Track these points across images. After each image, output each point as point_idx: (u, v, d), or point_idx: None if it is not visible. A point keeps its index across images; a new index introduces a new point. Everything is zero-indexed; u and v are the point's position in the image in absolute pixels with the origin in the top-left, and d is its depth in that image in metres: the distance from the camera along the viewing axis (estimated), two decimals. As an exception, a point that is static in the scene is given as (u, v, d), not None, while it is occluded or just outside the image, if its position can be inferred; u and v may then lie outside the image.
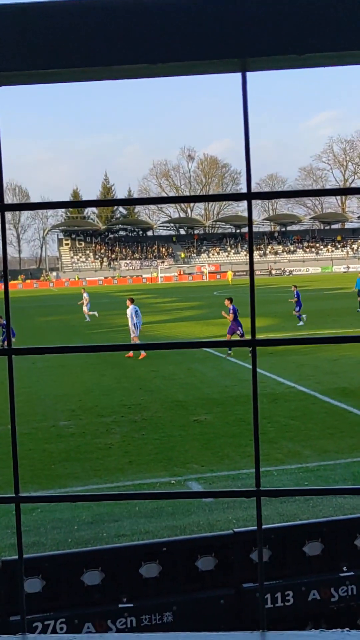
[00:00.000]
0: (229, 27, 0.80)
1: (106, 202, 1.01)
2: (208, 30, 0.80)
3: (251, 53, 0.81)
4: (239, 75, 0.85)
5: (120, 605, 5.07)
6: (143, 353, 22.72)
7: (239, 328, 23.05)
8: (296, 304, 31.10)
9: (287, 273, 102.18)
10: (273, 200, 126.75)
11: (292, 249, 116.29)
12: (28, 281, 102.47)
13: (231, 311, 23.02)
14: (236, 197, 0.88)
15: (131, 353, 22.86)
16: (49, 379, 19.50)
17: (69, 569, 5.19)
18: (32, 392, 17.49)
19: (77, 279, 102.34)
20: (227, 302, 23.54)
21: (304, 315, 30.53)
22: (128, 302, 24.67)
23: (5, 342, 24.87)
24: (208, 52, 0.81)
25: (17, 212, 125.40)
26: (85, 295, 38.73)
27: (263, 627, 0.81)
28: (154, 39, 0.80)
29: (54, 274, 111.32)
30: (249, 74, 0.85)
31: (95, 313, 38.11)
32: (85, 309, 38.28)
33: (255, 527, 4.54)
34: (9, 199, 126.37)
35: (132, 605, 5.07)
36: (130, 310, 24.41)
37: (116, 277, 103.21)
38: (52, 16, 0.79)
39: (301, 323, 30.13)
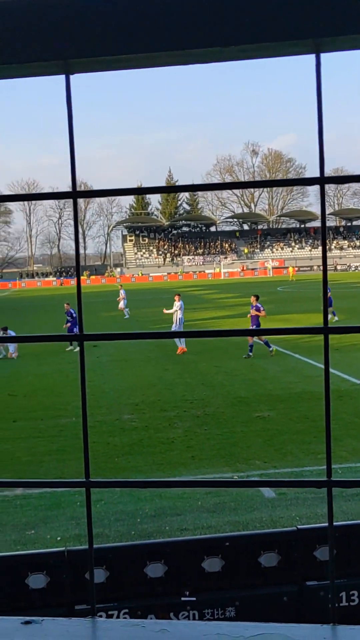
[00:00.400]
0: (301, 6, 0.78)
1: (170, 188, 1.00)
2: (279, 10, 0.78)
3: (325, 33, 0.79)
4: (304, 66, 0.84)
5: (183, 599, 5.09)
6: (184, 348, 23.06)
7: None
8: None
9: (353, 268, 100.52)
10: (338, 195, 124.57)
11: (357, 244, 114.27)
12: (93, 277, 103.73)
13: (254, 308, 22.79)
14: (309, 181, 0.86)
15: (185, 348, 23.05)
16: (113, 373, 19.70)
17: (133, 560, 5.24)
18: (96, 385, 17.70)
19: (140, 274, 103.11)
20: (252, 299, 23.27)
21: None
22: (176, 298, 24.75)
23: (75, 329, 24.86)
24: (280, 33, 0.80)
25: (83, 209, 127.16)
26: (122, 292, 38.98)
27: (334, 621, 0.79)
28: (225, 22, 0.79)
29: (118, 269, 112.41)
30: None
31: (127, 310, 38.40)
32: (121, 305, 38.35)
33: (320, 525, 4.50)
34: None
35: (194, 598, 5.08)
36: (177, 305, 24.47)
37: (180, 272, 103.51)
38: (118, 3, 0.79)
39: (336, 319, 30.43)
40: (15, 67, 0.83)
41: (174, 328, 24.52)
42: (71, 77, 0.87)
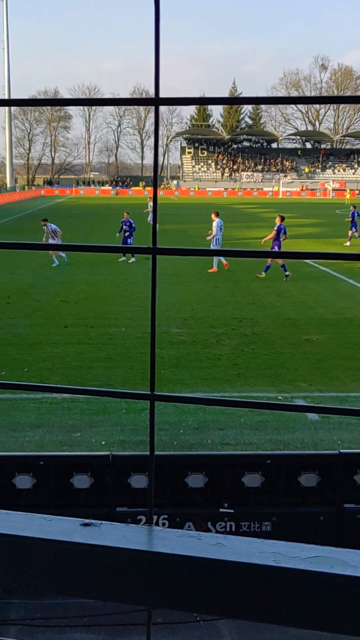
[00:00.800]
0: None
1: (249, 100, 0.95)
2: None
3: None
4: None
5: (221, 510, 5.24)
6: (215, 269, 22.95)
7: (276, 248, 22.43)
8: (351, 223, 32.02)
9: None
10: None
11: None
12: (149, 188, 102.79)
13: (276, 229, 22.32)
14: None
15: (214, 268, 22.90)
16: (164, 287, 19.77)
17: (174, 470, 5.38)
18: (147, 297, 17.82)
19: (197, 188, 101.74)
20: (277, 220, 22.79)
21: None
22: (213, 216, 23.85)
23: (129, 240, 24.93)
24: None
25: (143, 118, 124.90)
26: (150, 204, 38.42)
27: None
28: None
29: (175, 182, 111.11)
30: None
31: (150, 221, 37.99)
32: (150, 218, 37.78)
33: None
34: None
35: (232, 510, 5.23)
36: (215, 224, 23.72)
37: (238, 188, 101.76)
38: None
39: (347, 243, 31.44)
40: None
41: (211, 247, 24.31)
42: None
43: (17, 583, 0.85)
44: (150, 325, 0.84)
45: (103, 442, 8.21)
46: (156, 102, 0.81)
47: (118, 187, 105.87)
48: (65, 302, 17.00)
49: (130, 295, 18.19)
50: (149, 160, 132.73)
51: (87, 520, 0.89)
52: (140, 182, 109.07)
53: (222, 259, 22.85)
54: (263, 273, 21.33)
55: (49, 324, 14.50)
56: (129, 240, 26.04)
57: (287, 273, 21.18)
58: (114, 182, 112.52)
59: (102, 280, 20.36)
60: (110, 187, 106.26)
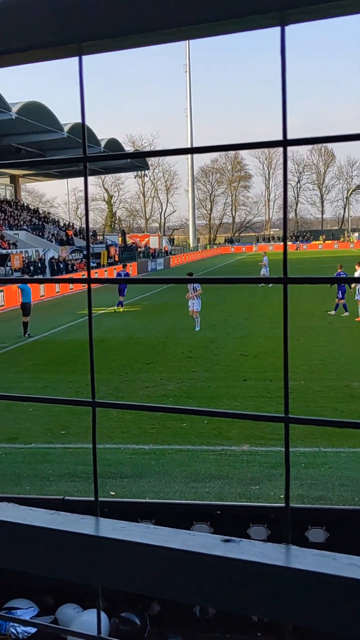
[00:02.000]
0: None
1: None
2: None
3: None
4: None
5: None
6: None
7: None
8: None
9: None
10: None
11: None
12: (329, 242, 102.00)
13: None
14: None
15: None
16: (345, 340, 19.38)
17: (356, 523, 5.19)
18: (326, 351, 17.57)
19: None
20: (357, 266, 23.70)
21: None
22: (357, 267, 24.32)
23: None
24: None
25: (322, 172, 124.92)
26: (265, 259, 38.14)
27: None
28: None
29: (356, 234, 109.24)
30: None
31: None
32: (263, 271, 37.00)
33: None
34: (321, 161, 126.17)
35: None
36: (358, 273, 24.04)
37: None
38: None
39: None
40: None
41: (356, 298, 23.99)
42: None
43: (160, 590, 0.91)
44: (282, 341, 0.89)
45: (282, 496, 8.12)
46: (284, 143, 0.88)
47: (298, 242, 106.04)
48: (244, 356, 17.18)
49: (309, 348, 18.01)
50: (329, 214, 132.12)
51: (227, 537, 0.94)
52: (321, 236, 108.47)
53: None
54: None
55: (228, 378, 14.71)
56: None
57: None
58: (294, 237, 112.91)
59: (282, 334, 20.33)
60: (290, 242, 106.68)
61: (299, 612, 0.86)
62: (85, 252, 57.00)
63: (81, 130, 0.94)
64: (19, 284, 23.82)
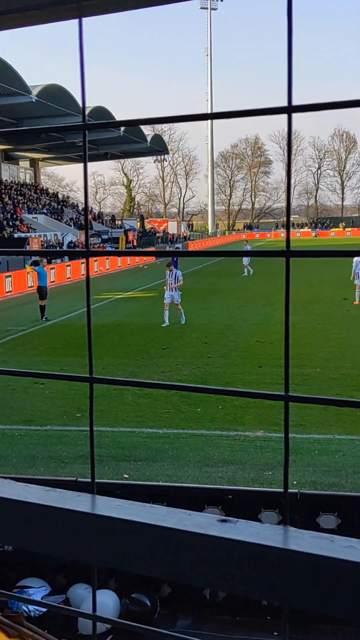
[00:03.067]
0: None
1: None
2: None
3: None
4: None
5: None
6: None
7: None
8: None
9: None
10: None
11: None
12: (349, 229, 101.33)
13: None
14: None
15: None
16: (362, 328, 19.27)
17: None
18: (343, 338, 17.48)
19: None
20: None
21: None
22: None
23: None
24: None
25: (343, 159, 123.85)
26: (246, 247, 37.87)
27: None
28: None
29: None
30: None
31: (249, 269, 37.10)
32: (245, 261, 36.55)
33: None
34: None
35: None
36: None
37: None
38: None
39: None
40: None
41: None
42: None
43: (155, 569, 0.89)
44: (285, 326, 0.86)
45: (295, 482, 8.10)
46: (289, 110, 0.84)
47: (318, 229, 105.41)
48: (260, 343, 17.13)
49: (326, 336, 17.92)
50: (349, 201, 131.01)
51: (224, 517, 0.91)
52: (340, 224, 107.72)
53: None
54: None
55: (244, 364, 14.68)
56: None
57: None
58: (313, 224, 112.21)
59: (298, 321, 20.24)
60: (310, 229, 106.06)
61: (296, 594, 0.84)
62: (103, 237, 57.07)
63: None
64: (36, 267, 23.76)
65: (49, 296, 22.75)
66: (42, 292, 22.57)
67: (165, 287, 21.28)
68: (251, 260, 36.25)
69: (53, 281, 34.94)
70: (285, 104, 0.85)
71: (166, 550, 0.90)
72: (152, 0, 0.86)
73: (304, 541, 0.85)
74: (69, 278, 37.41)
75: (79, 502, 0.99)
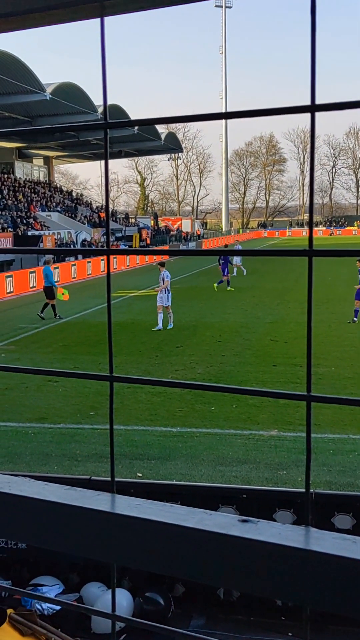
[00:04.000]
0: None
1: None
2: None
3: None
4: None
5: None
6: None
7: None
8: None
9: None
10: None
11: None
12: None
13: None
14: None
15: None
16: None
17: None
18: (358, 337, 17.41)
19: None
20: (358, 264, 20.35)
21: None
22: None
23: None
24: None
25: (359, 157, 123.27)
26: (238, 246, 37.56)
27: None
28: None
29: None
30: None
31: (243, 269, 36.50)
32: (236, 260, 35.74)
33: None
34: None
35: None
36: None
37: None
38: None
39: None
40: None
41: None
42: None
43: (174, 569, 0.89)
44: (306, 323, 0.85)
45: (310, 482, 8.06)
46: (312, 109, 0.84)
47: (332, 227, 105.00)
48: (274, 342, 17.09)
49: (341, 335, 17.85)
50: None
51: (245, 517, 0.91)
52: (356, 222, 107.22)
53: None
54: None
55: (258, 363, 14.65)
56: None
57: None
58: (327, 223, 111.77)
59: (313, 320, 20.12)
60: (323, 227, 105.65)
61: (317, 595, 0.83)
62: (117, 235, 57.14)
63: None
64: (43, 268, 23.74)
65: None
66: (49, 291, 22.48)
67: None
68: (243, 260, 35.66)
69: (57, 280, 34.97)
70: (308, 102, 0.84)
71: (186, 549, 0.90)
72: (171, 0, 0.86)
73: (325, 542, 0.85)
74: (74, 278, 37.33)
75: (98, 501, 0.99)
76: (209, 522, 0.91)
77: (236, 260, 35.33)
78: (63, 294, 22.20)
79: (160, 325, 19.52)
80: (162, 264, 20.25)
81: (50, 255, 26.67)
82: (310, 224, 0.87)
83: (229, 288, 29.41)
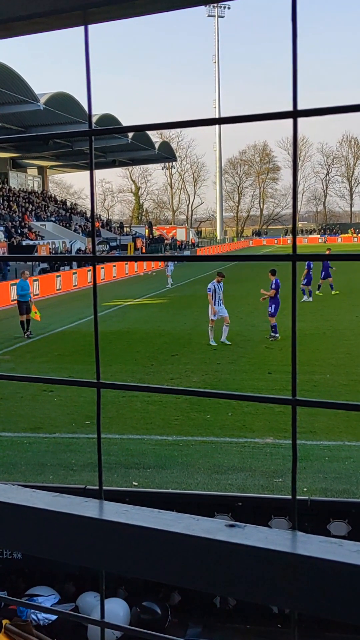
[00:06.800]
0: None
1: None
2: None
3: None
4: None
5: None
6: None
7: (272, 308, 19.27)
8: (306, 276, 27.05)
9: None
10: None
11: None
12: (358, 235, 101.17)
13: (273, 286, 19.68)
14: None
15: None
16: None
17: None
18: (353, 344, 17.44)
19: None
20: (270, 276, 19.80)
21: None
22: None
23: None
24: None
25: (352, 165, 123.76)
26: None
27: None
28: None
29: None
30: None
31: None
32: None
33: None
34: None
35: None
36: None
37: None
38: None
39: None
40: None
41: None
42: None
43: (162, 575, 0.89)
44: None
45: (305, 489, 8.07)
46: (294, 114, 0.84)
47: (326, 235, 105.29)
48: (269, 349, 17.11)
49: (335, 342, 17.88)
50: (358, 207, 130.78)
51: (232, 522, 0.91)
52: (350, 230, 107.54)
53: None
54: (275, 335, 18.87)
55: (253, 370, 14.66)
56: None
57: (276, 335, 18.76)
58: (322, 230, 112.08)
59: (307, 327, 20.22)
60: (319, 235, 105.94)
61: (304, 599, 0.83)
62: (111, 244, 57.16)
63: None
64: (19, 281, 21.86)
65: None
66: (22, 307, 20.57)
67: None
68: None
69: (59, 289, 34.88)
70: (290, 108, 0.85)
71: (174, 555, 0.90)
72: (154, 8, 0.87)
73: (312, 546, 0.85)
74: (75, 286, 37.32)
75: (86, 507, 0.99)
76: (196, 528, 0.91)
77: (168, 271, 36.07)
78: (36, 312, 20.57)
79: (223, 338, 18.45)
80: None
81: (28, 269, 24.82)
82: (294, 230, 0.87)
83: (333, 292, 29.59)
